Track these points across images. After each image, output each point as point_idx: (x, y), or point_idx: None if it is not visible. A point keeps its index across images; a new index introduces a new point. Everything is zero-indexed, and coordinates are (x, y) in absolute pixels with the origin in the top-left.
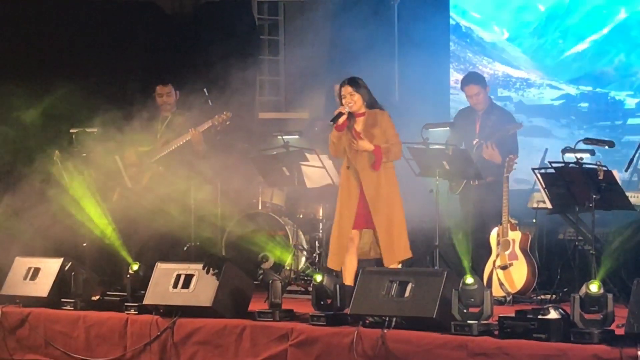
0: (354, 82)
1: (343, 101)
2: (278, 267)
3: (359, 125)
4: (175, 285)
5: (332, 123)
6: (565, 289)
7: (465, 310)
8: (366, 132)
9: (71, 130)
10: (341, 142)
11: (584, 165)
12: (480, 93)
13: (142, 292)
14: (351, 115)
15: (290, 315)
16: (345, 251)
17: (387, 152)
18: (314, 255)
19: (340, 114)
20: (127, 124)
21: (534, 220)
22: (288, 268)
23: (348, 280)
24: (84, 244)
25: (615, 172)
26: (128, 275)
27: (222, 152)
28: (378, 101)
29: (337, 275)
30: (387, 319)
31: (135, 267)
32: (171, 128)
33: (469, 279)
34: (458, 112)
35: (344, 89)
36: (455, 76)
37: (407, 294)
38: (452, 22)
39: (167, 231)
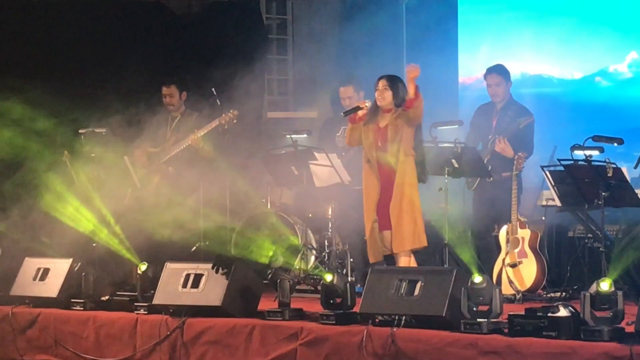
0: (390, 79)
1: (376, 94)
2: (287, 266)
3: (383, 121)
4: (184, 285)
5: (343, 116)
6: (575, 287)
7: (474, 309)
8: (393, 128)
9: (80, 131)
10: (354, 133)
11: (593, 163)
12: (500, 84)
13: (152, 292)
14: (377, 110)
15: (299, 315)
16: (376, 243)
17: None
18: (323, 254)
19: (358, 108)
20: (135, 124)
21: (543, 218)
22: (297, 267)
23: None
24: (94, 244)
25: (624, 169)
26: (137, 275)
27: (230, 152)
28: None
29: None
30: (396, 317)
31: (143, 267)
32: (180, 128)
33: (477, 278)
34: (478, 107)
35: (380, 83)
36: (464, 75)
37: (416, 292)
38: (461, 20)
39: (176, 231)
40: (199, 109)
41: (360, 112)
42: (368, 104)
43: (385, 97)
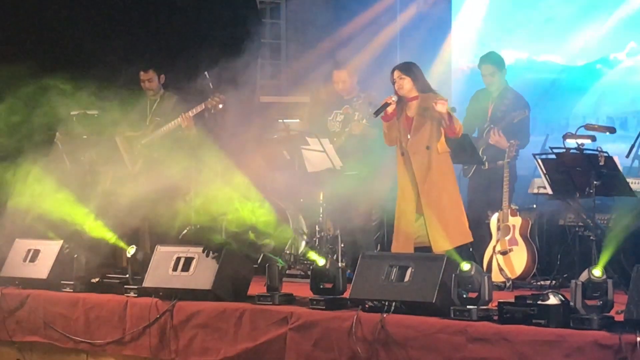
0: (403, 66)
1: (395, 87)
2: (278, 251)
3: (411, 110)
4: (175, 268)
5: (375, 116)
6: (565, 275)
7: (464, 296)
8: (419, 117)
9: (72, 113)
10: (392, 131)
11: (584, 151)
12: (494, 74)
13: (143, 274)
14: (402, 101)
15: (289, 299)
16: (406, 237)
17: (457, 121)
18: (314, 239)
19: (386, 104)
20: (121, 108)
21: (535, 206)
22: (288, 252)
23: None
24: (84, 227)
25: (616, 158)
26: (127, 258)
27: (222, 136)
28: (430, 86)
29: None
30: (386, 303)
31: (132, 250)
32: (160, 111)
33: (465, 265)
34: (474, 93)
35: (394, 74)
36: (458, 61)
37: (406, 278)
38: (454, 6)
39: (163, 214)
40: (181, 92)
41: (389, 108)
42: (395, 98)
43: (403, 85)
